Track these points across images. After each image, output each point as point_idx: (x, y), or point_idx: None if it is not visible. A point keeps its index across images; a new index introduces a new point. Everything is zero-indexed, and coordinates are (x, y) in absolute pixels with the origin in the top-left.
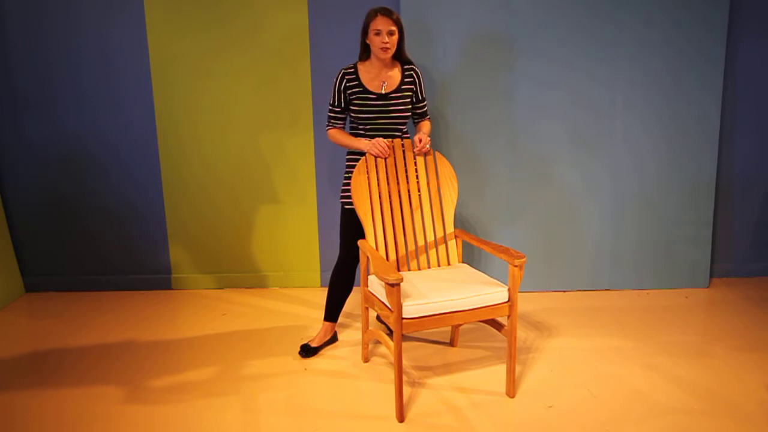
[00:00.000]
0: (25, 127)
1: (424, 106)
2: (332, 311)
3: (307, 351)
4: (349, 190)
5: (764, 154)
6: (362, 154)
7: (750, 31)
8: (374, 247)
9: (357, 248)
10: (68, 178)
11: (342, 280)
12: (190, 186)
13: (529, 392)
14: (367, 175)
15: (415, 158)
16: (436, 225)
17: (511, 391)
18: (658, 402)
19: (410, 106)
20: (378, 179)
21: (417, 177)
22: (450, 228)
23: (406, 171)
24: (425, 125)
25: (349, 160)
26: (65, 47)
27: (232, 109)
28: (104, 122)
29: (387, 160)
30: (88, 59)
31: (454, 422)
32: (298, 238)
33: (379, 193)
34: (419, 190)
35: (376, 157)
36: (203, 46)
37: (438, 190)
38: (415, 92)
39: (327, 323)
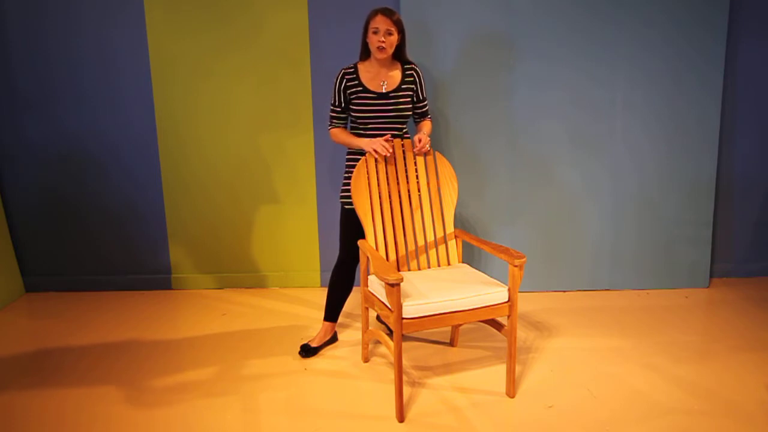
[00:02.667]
0: (25, 127)
1: (425, 105)
2: (332, 311)
3: (307, 351)
4: (349, 190)
5: (764, 154)
6: (363, 153)
7: (750, 31)
8: (374, 247)
9: (357, 248)
10: (68, 178)
11: (342, 281)
12: (190, 186)
13: (529, 392)
14: (367, 175)
15: (415, 158)
16: (436, 225)
17: (511, 391)
18: (658, 402)
19: (410, 106)
20: (378, 179)
21: (417, 177)
22: (450, 228)
23: (406, 171)
24: (426, 125)
25: (349, 159)
26: (65, 47)
27: (232, 109)
28: (104, 122)
29: (387, 159)
30: (88, 59)
31: (454, 422)
32: (298, 238)
33: (379, 193)
34: (419, 190)
35: (376, 159)
36: (203, 46)
37: (438, 190)
38: (416, 92)
39: (327, 323)
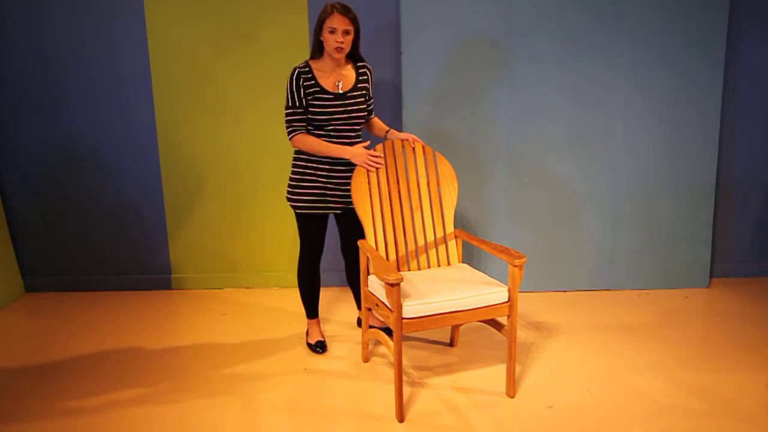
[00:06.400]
0: (25, 127)
1: (372, 103)
2: (313, 309)
3: (322, 345)
4: (296, 193)
5: (764, 154)
6: (319, 157)
7: (750, 31)
8: (374, 247)
9: (316, 247)
10: (68, 178)
11: (310, 278)
12: (190, 186)
13: (529, 392)
14: (367, 176)
15: (415, 158)
16: (436, 225)
17: (511, 391)
18: (658, 402)
19: (365, 106)
20: (378, 179)
21: (417, 176)
22: (450, 228)
23: (406, 171)
24: (380, 121)
25: (299, 159)
26: (66, 45)
27: (232, 109)
28: (104, 122)
29: (387, 160)
30: (87, 59)
31: (454, 422)
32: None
33: (379, 193)
34: (419, 188)
35: (368, 170)
36: (204, 46)
37: (438, 190)
38: (368, 90)
39: (312, 320)
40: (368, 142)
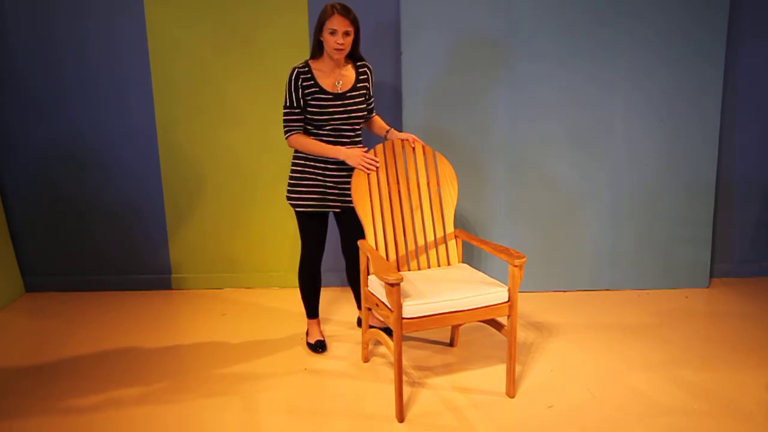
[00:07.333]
0: (25, 127)
1: (373, 102)
2: (313, 309)
3: (322, 345)
4: (296, 192)
5: (764, 154)
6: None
7: (750, 32)
8: (374, 247)
9: (316, 246)
10: (68, 178)
11: (311, 278)
12: (190, 186)
13: (529, 392)
14: (367, 175)
15: (415, 158)
16: (436, 225)
17: (511, 391)
18: (658, 402)
19: (365, 106)
20: (378, 179)
21: (418, 176)
22: (450, 228)
23: (406, 171)
24: (381, 121)
25: (299, 159)
26: (66, 44)
27: (232, 109)
28: (104, 122)
29: (387, 160)
30: (87, 58)
31: (454, 422)
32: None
33: (379, 193)
34: (419, 188)
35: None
36: (204, 46)
37: (438, 190)
38: (368, 89)
39: (313, 320)
40: (365, 148)
